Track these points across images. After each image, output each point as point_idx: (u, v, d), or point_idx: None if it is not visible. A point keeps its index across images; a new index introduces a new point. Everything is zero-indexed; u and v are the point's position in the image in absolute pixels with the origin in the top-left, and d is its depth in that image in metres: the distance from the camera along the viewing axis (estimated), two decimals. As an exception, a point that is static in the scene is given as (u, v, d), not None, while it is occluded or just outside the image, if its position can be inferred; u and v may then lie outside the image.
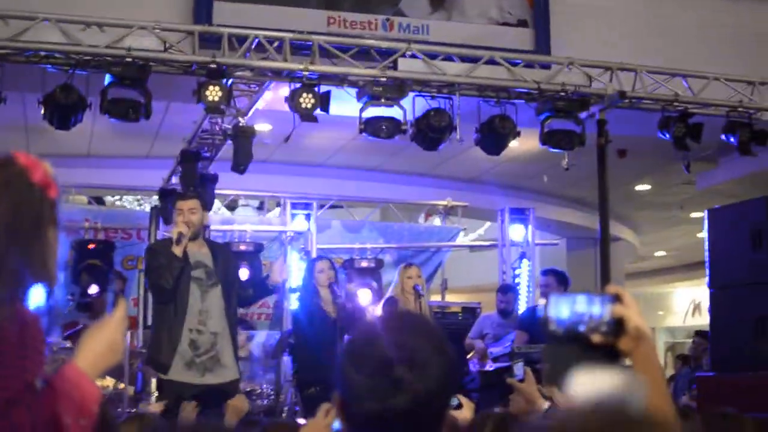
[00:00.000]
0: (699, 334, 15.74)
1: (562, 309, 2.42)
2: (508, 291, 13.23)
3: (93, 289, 12.96)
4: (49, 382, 2.83)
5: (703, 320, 11.72)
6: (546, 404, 5.19)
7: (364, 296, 11.23)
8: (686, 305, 32.04)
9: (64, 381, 2.85)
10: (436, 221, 17.99)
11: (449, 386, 2.67)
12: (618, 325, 2.40)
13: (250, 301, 10.02)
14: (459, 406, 4.62)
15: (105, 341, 2.98)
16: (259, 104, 10.72)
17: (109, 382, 11.56)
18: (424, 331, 2.71)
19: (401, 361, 2.54)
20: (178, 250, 8.47)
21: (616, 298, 2.41)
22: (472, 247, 19.15)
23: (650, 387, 2.36)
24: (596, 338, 2.39)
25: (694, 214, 19.18)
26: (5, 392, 2.70)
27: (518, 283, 15.66)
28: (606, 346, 2.40)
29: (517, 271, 15.95)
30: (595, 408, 1.95)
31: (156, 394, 9.63)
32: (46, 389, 2.81)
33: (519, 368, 10.90)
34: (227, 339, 8.72)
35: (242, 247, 13.36)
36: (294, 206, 15.48)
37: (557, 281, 11.86)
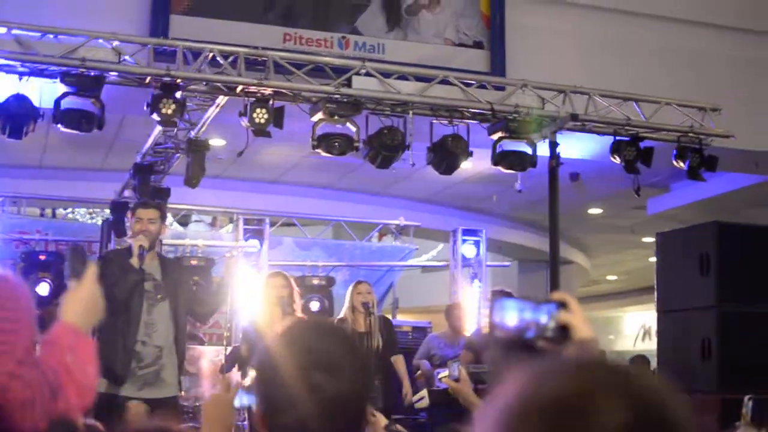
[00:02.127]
0: (637, 359, 15.75)
1: (507, 315, 2.42)
2: (454, 309, 13.22)
3: (43, 289, 12.78)
4: (46, 338, 2.98)
5: (653, 345, 11.77)
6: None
7: (314, 307, 11.21)
8: (636, 329, 32.17)
9: (59, 333, 2.95)
10: (390, 240, 18.00)
11: (364, 387, 2.69)
12: (563, 332, 2.41)
13: (202, 318, 9.89)
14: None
15: (84, 299, 3.07)
16: (211, 113, 10.67)
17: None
18: (336, 335, 2.73)
19: (316, 366, 2.56)
20: (136, 262, 8.42)
21: (562, 305, 2.42)
22: (424, 267, 19.18)
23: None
24: (541, 344, 2.40)
25: (646, 239, 19.29)
26: (13, 355, 2.81)
27: (468, 304, 15.66)
28: (551, 352, 2.42)
29: (467, 291, 15.95)
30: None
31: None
32: (46, 344, 2.95)
33: (454, 369, 10.90)
34: (172, 354, 8.63)
35: (193, 262, 13.28)
36: (246, 222, 15.43)
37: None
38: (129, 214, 9.67)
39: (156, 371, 8.51)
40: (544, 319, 2.41)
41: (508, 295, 12.09)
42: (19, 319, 2.85)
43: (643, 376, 1.59)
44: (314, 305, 11.46)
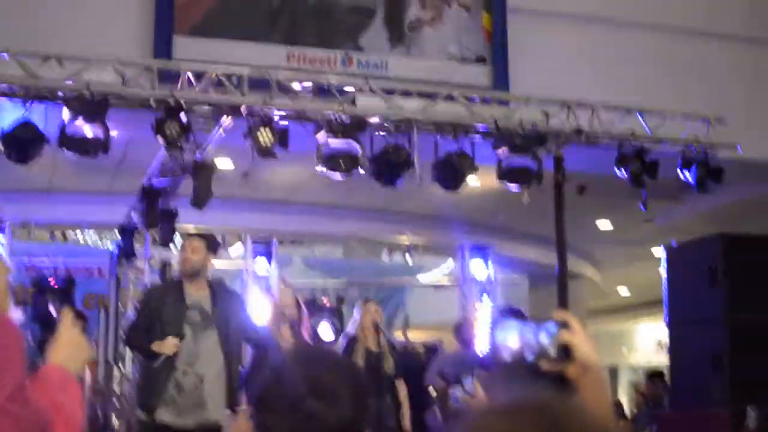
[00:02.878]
0: (652, 377, 15.72)
1: (509, 337, 2.42)
2: (464, 326, 13.22)
3: (53, 312, 12.79)
4: (36, 376, 2.99)
5: (667, 357, 11.76)
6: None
7: (324, 331, 11.21)
8: (650, 342, 32.05)
9: (49, 372, 3.01)
10: (399, 258, 18.00)
11: (362, 411, 2.67)
12: (565, 352, 2.40)
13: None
14: None
15: (68, 342, 3.09)
16: (216, 134, 10.68)
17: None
18: (330, 362, 2.72)
19: (311, 395, 2.55)
20: (163, 349, 8.55)
21: (563, 325, 2.41)
22: (435, 287, 19.18)
23: (597, 414, 2.36)
24: (544, 365, 2.39)
25: (656, 251, 19.24)
26: (2, 390, 2.79)
27: (479, 321, 15.64)
28: (554, 373, 2.40)
29: (478, 307, 15.94)
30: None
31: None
32: (36, 382, 2.95)
33: (469, 384, 10.91)
34: (217, 382, 8.67)
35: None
36: (255, 242, 15.44)
37: (515, 317, 11.86)
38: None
39: (197, 399, 8.56)
40: (545, 339, 2.40)
41: (516, 312, 12.14)
42: (9, 356, 2.85)
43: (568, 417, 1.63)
44: (324, 326, 11.48)
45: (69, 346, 3.12)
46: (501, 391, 2.51)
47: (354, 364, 2.45)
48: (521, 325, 2.43)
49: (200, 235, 9.29)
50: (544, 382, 2.40)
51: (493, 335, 2.45)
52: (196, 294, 8.77)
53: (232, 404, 8.73)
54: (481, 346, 13.28)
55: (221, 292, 9.09)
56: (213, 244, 9.20)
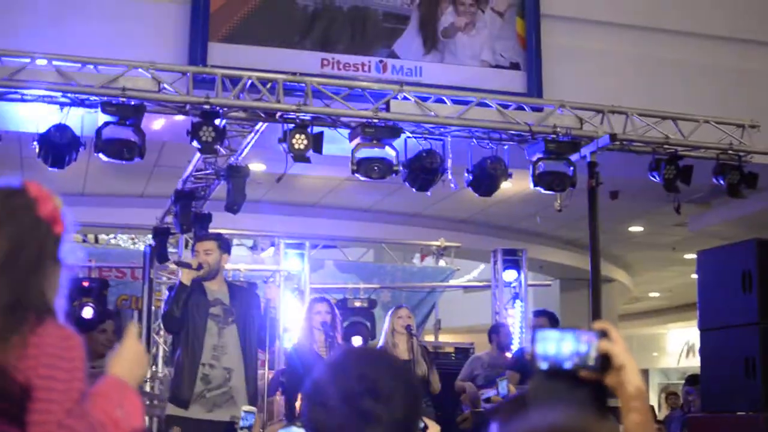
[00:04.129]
0: (688, 382, 15.70)
1: (548, 345, 2.45)
2: (500, 329, 13.25)
3: (87, 313, 12.80)
4: (94, 391, 2.97)
5: (697, 361, 11.72)
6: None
7: (356, 343, 11.30)
8: (680, 346, 31.99)
9: (108, 386, 3.00)
10: (431, 262, 18.02)
11: (415, 413, 2.71)
12: (604, 361, 2.43)
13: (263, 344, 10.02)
14: (425, 429, 4.65)
15: (131, 354, 3.11)
16: (250, 139, 10.74)
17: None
18: (385, 362, 2.76)
19: (367, 394, 2.58)
20: (185, 277, 8.79)
21: (603, 334, 2.44)
22: (465, 288, 19.19)
23: (638, 426, 2.40)
24: (583, 374, 2.42)
25: (688, 256, 19.20)
26: (63, 404, 2.82)
27: (511, 324, 15.66)
28: (593, 382, 2.44)
29: (510, 312, 15.95)
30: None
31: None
32: (94, 396, 2.95)
33: (503, 387, 10.91)
34: (242, 378, 8.79)
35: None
36: (288, 246, 15.48)
37: (550, 322, 11.90)
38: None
39: (226, 393, 8.69)
40: (584, 348, 2.43)
41: (551, 315, 12.15)
42: (73, 369, 2.88)
43: None
44: (357, 340, 11.65)
45: (131, 359, 3.14)
46: (537, 398, 2.53)
47: (409, 367, 2.49)
48: (560, 334, 2.46)
49: (211, 237, 9.36)
50: (582, 391, 2.43)
51: (532, 341, 2.48)
52: (216, 291, 9.00)
53: (251, 401, 8.84)
54: (513, 350, 13.31)
55: (239, 289, 9.26)
56: (224, 244, 9.29)
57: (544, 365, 2.44)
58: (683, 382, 18.35)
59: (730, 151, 11.28)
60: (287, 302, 14.43)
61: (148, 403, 11.48)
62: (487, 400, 11.91)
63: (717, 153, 11.29)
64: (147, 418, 11.53)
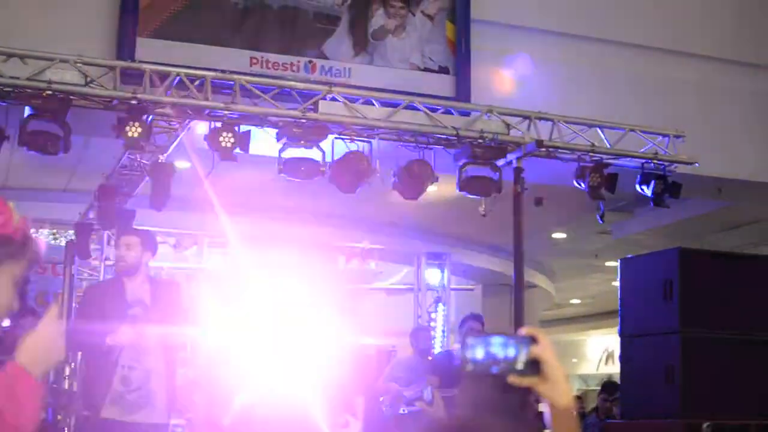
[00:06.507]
0: (608, 385, 15.80)
1: (477, 350, 2.44)
2: (421, 332, 13.26)
3: (5, 322, 12.67)
4: None
5: (616, 368, 11.83)
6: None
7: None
8: (599, 353, 32.27)
9: (4, 375, 2.89)
10: (355, 264, 18.01)
11: None
12: (533, 366, 2.43)
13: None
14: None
15: (43, 340, 3.02)
16: (178, 136, 10.66)
17: None
18: None
19: None
20: (117, 339, 8.35)
21: (532, 339, 2.45)
22: (388, 291, 19.21)
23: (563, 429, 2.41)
24: (511, 379, 2.42)
25: (609, 263, 19.37)
26: None
27: (433, 327, 15.70)
28: (521, 387, 2.44)
29: (432, 315, 15.99)
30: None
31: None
32: None
33: (428, 393, 10.94)
34: (163, 379, 8.58)
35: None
36: (210, 244, 15.40)
37: (481, 325, 11.90)
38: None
39: (145, 395, 8.46)
40: (512, 353, 2.43)
41: (478, 318, 12.15)
42: None
43: None
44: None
45: (41, 346, 3.05)
46: (463, 402, 2.54)
47: None
48: (490, 339, 2.45)
49: (135, 232, 9.13)
50: (510, 395, 2.43)
51: (462, 348, 2.48)
52: (137, 290, 8.66)
53: (171, 403, 8.69)
54: (435, 353, 13.34)
55: (161, 287, 9.02)
56: (149, 242, 9.01)
57: (472, 369, 2.44)
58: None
59: (655, 161, 11.40)
60: (208, 301, 14.33)
61: (65, 402, 11.32)
62: (410, 402, 11.90)
63: (642, 162, 11.40)
64: (61, 418, 11.39)
